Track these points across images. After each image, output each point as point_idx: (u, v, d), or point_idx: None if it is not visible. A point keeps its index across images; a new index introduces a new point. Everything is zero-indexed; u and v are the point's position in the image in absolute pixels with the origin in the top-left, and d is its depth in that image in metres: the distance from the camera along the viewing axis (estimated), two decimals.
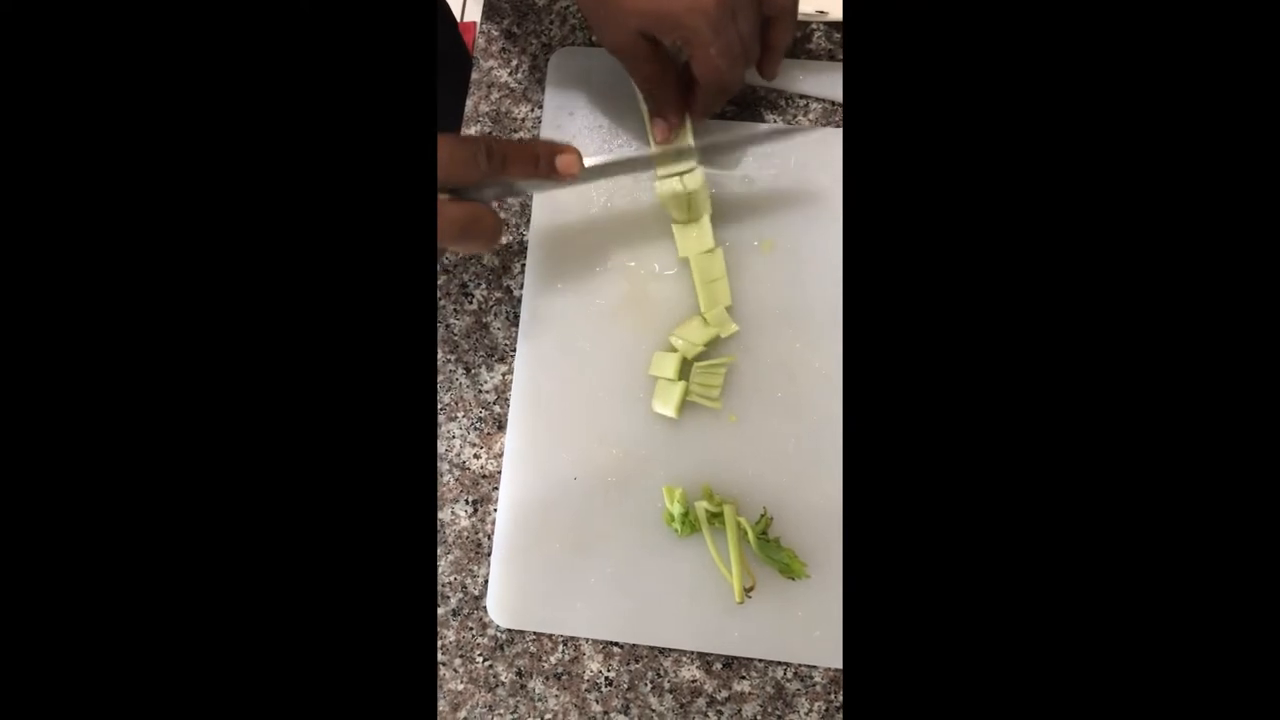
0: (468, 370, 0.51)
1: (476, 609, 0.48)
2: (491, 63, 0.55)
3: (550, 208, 0.52)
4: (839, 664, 0.46)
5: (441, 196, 0.40)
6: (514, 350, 0.51)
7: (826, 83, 0.52)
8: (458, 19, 1.52)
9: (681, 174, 0.49)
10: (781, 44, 0.46)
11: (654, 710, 0.46)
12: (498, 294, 0.52)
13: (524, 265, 0.51)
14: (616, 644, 0.47)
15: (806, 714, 0.46)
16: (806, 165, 0.51)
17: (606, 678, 0.47)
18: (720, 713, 0.46)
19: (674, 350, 0.48)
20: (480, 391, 0.51)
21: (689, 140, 0.48)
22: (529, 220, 0.52)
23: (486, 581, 0.48)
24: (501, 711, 0.47)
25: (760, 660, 0.47)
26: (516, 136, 0.54)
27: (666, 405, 0.47)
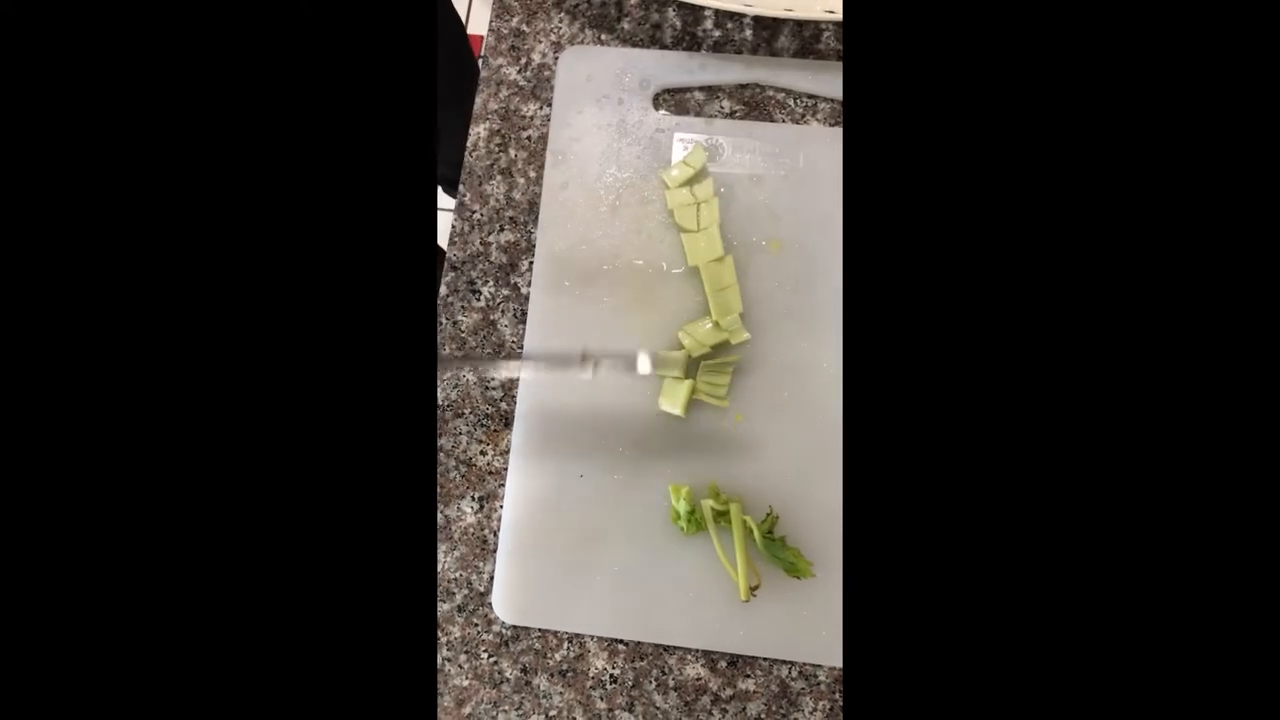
0: (475, 367, 0.51)
1: (481, 605, 0.48)
2: (501, 60, 0.55)
3: (558, 206, 0.52)
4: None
5: None
6: (521, 347, 0.51)
7: (835, 82, 0.52)
8: (464, 21, 1.52)
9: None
10: None
11: (658, 708, 0.47)
12: (505, 291, 0.52)
13: (531, 263, 0.52)
14: (621, 641, 0.47)
15: (811, 713, 0.46)
16: (815, 164, 0.51)
17: (611, 675, 0.47)
18: (725, 711, 0.46)
19: (681, 348, 0.48)
20: (487, 389, 0.51)
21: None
22: (536, 218, 0.52)
23: (492, 578, 0.48)
24: (506, 708, 0.47)
25: (765, 659, 0.47)
26: (525, 134, 0.54)
27: (673, 403, 0.47)
